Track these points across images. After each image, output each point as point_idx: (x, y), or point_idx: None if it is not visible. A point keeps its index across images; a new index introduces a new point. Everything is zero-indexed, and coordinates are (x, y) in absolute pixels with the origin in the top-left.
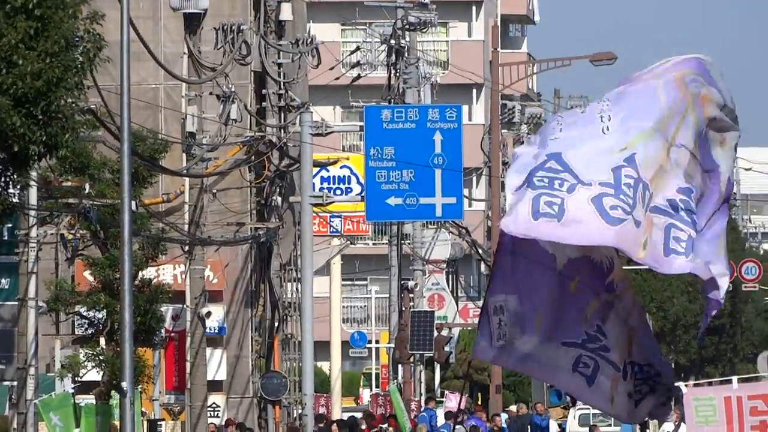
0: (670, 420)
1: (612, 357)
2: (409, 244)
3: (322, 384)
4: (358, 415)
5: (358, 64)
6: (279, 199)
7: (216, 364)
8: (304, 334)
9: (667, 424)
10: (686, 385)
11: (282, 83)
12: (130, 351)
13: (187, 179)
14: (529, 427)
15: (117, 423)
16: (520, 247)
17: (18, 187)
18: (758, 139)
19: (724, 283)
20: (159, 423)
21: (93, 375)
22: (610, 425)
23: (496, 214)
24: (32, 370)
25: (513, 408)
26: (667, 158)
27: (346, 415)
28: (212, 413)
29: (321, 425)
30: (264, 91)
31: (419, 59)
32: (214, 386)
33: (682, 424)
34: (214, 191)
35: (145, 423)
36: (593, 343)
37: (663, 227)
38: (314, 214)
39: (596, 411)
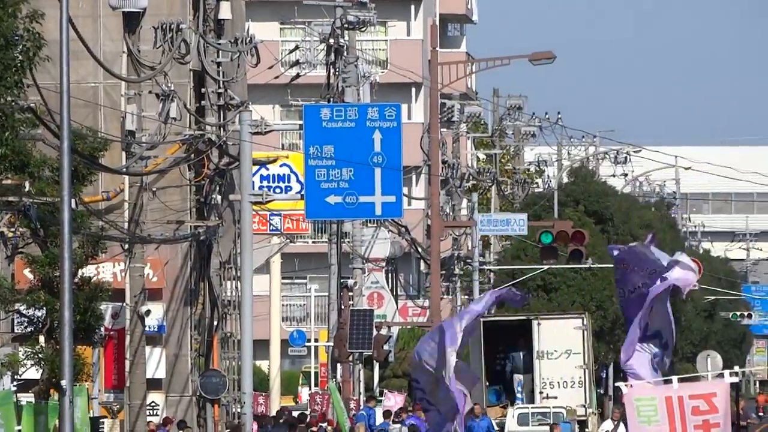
0: (609, 419)
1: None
2: (348, 242)
3: (261, 382)
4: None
5: (297, 63)
6: (219, 197)
7: (155, 363)
8: (244, 333)
9: (606, 422)
10: (627, 385)
11: (221, 82)
12: (70, 349)
13: (126, 177)
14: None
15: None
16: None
17: None
18: (698, 140)
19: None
20: (101, 420)
21: (32, 373)
22: (548, 425)
23: (436, 213)
24: None
25: None
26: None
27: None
28: (151, 412)
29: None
30: (203, 89)
31: (358, 58)
32: (154, 384)
33: (621, 424)
34: (154, 189)
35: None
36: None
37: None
38: (254, 213)
39: (534, 410)
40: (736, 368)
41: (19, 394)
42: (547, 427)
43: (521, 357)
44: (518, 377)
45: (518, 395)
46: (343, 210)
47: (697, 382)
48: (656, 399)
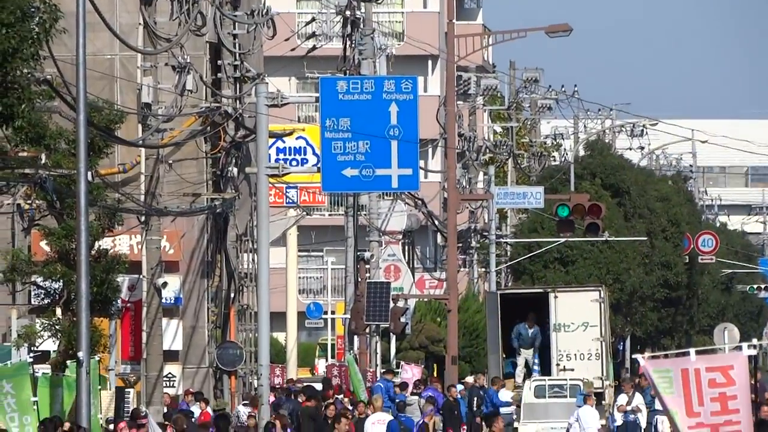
0: (623, 392)
1: None
2: (365, 215)
3: (278, 354)
4: (317, 385)
5: (313, 35)
6: (235, 170)
7: (172, 335)
8: (260, 305)
9: (622, 396)
10: (643, 357)
11: (237, 54)
12: (87, 321)
13: (143, 150)
14: (485, 397)
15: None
16: None
17: None
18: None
19: None
20: (127, 390)
21: (49, 345)
22: (565, 396)
23: (452, 186)
24: None
25: (470, 379)
26: None
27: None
28: (168, 383)
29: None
30: (219, 62)
31: (374, 30)
32: (170, 356)
33: (637, 394)
34: (170, 162)
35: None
36: None
37: None
38: (270, 185)
39: (551, 382)
40: (754, 341)
41: (35, 366)
42: (565, 398)
43: (528, 332)
44: (526, 353)
45: (535, 367)
46: (359, 183)
47: (715, 354)
48: (671, 371)
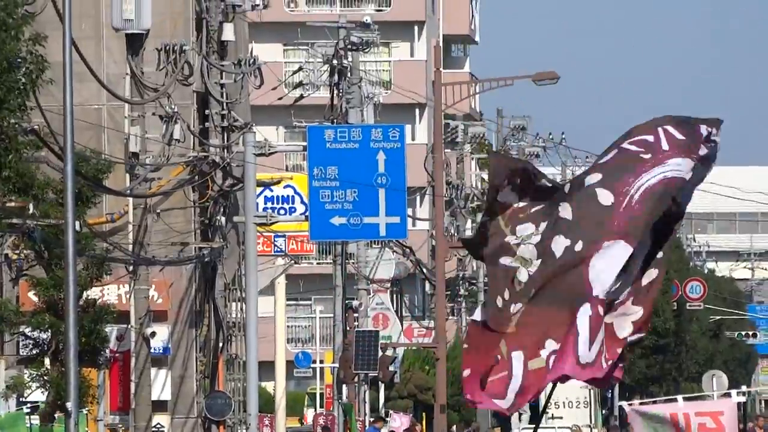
0: None
1: None
2: (353, 263)
3: (267, 404)
4: None
5: (300, 84)
6: (223, 218)
7: (161, 385)
8: (249, 354)
9: None
10: (629, 404)
11: (225, 103)
12: (75, 371)
13: (130, 199)
14: None
15: None
16: None
17: None
18: None
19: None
20: None
21: (38, 395)
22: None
23: (440, 234)
24: None
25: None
26: None
27: None
28: None
29: None
30: (207, 111)
31: (362, 79)
32: (159, 406)
33: None
34: (158, 211)
35: None
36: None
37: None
38: (258, 234)
39: (541, 431)
40: (744, 387)
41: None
42: None
43: None
44: None
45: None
46: (347, 231)
47: (704, 400)
48: (660, 414)
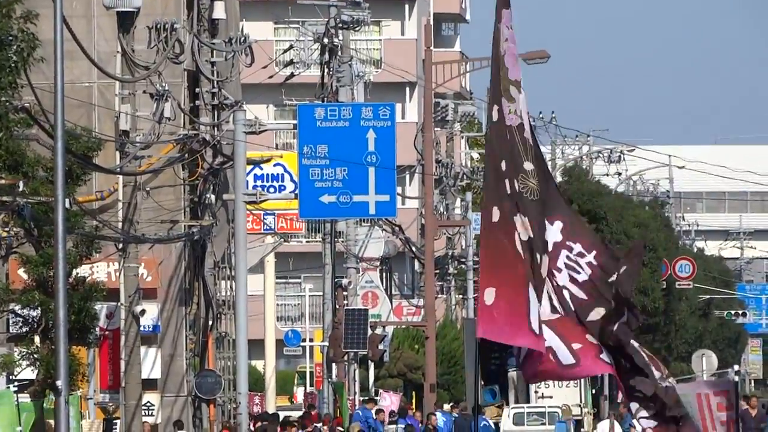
0: (606, 419)
1: None
2: (342, 241)
3: (257, 382)
4: (294, 413)
5: (291, 62)
6: (212, 196)
7: (150, 363)
8: (238, 333)
9: (603, 422)
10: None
11: (215, 81)
12: (65, 349)
13: (120, 177)
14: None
15: (52, 422)
16: None
17: None
18: (691, 139)
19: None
20: (115, 421)
21: (28, 373)
22: (544, 424)
23: (429, 212)
24: None
25: (447, 407)
26: None
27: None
28: (147, 412)
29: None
30: (197, 89)
31: (352, 58)
32: (149, 385)
33: (615, 423)
34: (148, 189)
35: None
36: None
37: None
38: (248, 212)
39: (530, 409)
40: (736, 367)
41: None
42: (543, 426)
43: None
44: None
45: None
46: (336, 209)
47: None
48: (689, 396)
